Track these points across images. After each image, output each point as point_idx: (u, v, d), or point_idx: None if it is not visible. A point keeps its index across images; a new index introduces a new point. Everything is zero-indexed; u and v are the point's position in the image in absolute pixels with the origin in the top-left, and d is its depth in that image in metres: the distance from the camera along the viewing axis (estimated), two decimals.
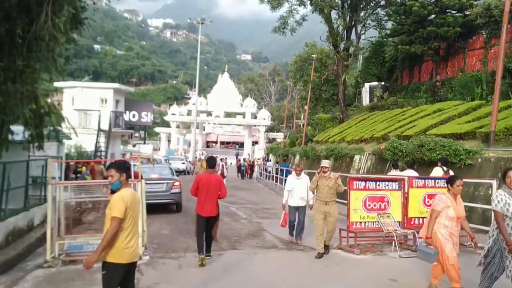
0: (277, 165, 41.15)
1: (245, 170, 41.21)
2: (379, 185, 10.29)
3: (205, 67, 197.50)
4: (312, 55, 41.21)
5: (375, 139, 22.50)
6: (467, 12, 23.95)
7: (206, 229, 8.82)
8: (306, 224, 11.12)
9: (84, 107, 32.64)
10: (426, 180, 10.81)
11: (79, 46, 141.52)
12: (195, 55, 52.77)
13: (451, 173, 11.08)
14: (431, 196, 10.53)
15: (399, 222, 10.23)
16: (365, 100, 36.93)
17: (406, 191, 10.49)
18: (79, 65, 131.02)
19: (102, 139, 31.11)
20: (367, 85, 36.52)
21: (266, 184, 33.86)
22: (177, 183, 16.26)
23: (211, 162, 9.30)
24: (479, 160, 13.22)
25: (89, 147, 30.60)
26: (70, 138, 30.77)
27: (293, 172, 10.81)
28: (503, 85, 20.20)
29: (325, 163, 9.69)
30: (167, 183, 16.17)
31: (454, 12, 24.31)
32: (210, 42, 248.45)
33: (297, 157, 32.37)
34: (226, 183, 29.42)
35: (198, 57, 52.41)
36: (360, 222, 10.02)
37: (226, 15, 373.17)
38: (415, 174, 12.73)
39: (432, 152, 13.96)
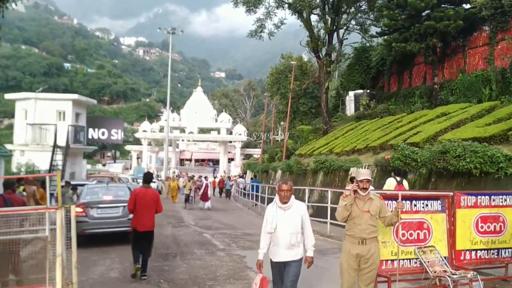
0: (249, 181, 38.48)
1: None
2: (415, 205, 7.18)
3: (179, 85, 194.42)
4: (292, 62, 38.35)
5: (371, 149, 19.58)
6: (467, 6, 21.35)
7: (142, 244, 8.93)
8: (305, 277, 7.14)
9: (39, 121, 28.99)
10: (479, 197, 7.62)
11: (48, 64, 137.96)
12: (168, 73, 49.50)
13: (405, 184, 11.43)
14: (485, 219, 7.48)
15: (445, 257, 7.08)
16: (350, 109, 34.21)
17: (452, 212, 7.36)
18: (48, 83, 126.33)
19: (60, 157, 27.52)
20: (351, 93, 33.84)
21: (244, 203, 30.58)
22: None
23: (147, 177, 9.56)
24: None
25: (44, 165, 27.03)
26: (10, 155, 27.06)
27: (276, 198, 5.85)
28: None
29: (364, 173, 5.90)
30: (124, 206, 12.74)
31: (452, 6, 21.65)
32: (183, 60, 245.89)
33: (279, 172, 29.22)
34: (199, 204, 26.39)
35: (170, 68, 49.08)
36: (392, 261, 6.86)
37: (199, 33, 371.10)
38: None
39: (460, 160, 10.96)
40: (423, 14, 22.16)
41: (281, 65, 51.11)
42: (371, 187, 6.41)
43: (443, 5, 21.83)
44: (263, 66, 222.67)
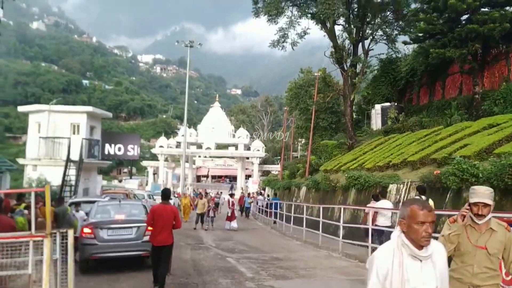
0: (268, 198, 36.71)
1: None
2: None
3: (195, 102, 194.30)
4: (315, 73, 36.79)
5: (408, 164, 17.81)
6: (509, 10, 19.62)
7: (160, 259, 8.90)
8: None
9: (52, 134, 27.73)
10: None
11: (66, 81, 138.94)
12: (185, 90, 48.28)
13: (431, 203, 10.85)
14: None
15: None
16: (376, 123, 32.51)
17: None
18: (66, 100, 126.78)
19: (73, 172, 26.17)
20: (378, 106, 32.17)
21: (266, 222, 28.86)
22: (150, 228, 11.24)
23: (165, 193, 9.70)
24: None
25: (57, 180, 25.69)
26: (15, 169, 25.74)
27: (399, 237, 3.02)
28: None
29: (482, 194, 4.08)
30: (138, 227, 11.20)
31: (494, 8, 19.90)
32: (200, 77, 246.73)
33: (303, 189, 27.50)
34: (218, 222, 24.66)
35: (187, 79, 47.80)
36: None
37: (216, 50, 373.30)
38: (390, 205, 13.08)
39: None
40: (463, 18, 20.50)
41: (300, 80, 49.92)
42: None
43: (484, 8, 20.12)
44: (279, 83, 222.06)
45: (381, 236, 12.85)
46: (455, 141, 17.11)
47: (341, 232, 14.77)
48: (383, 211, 12.85)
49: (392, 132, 26.66)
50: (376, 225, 12.89)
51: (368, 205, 14.17)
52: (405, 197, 14.66)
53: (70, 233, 4.89)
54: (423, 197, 11.33)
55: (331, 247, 15.47)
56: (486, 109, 19.89)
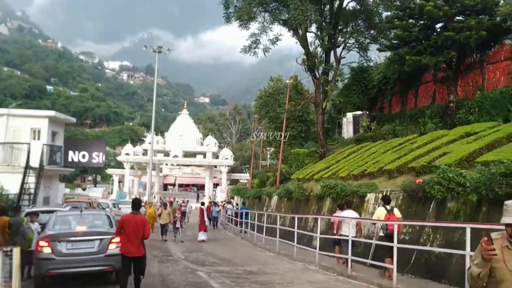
0: (236, 207, 35.83)
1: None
2: None
3: (163, 109, 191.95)
4: (287, 81, 36.24)
5: (385, 172, 17.34)
6: (485, 18, 19.43)
7: (134, 271, 8.83)
8: None
9: (11, 140, 26.18)
10: None
11: (30, 87, 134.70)
12: (153, 97, 46.98)
13: (396, 212, 11.54)
14: None
15: None
16: (348, 131, 32.23)
17: None
18: (29, 106, 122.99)
19: (33, 179, 24.72)
20: (349, 114, 31.89)
21: (235, 231, 27.98)
22: (117, 239, 10.21)
23: (135, 203, 9.59)
24: None
25: (15, 188, 24.22)
26: None
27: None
28: None
29: None
30: (101, 239, 10.19)
31: (470, 16, 19.71)
32: (168, 85, 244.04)
33: (275, 198, 26.77)
34: (187, 232, 23.64)
35: (155, 85, 46.64)
36: None
37: (184, 58, 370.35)
38: (355, 215, 13.29)
39: None
40: (439, 25, 20.27)
41: (270, 88, 49.37)
42: None
43: (460, 16, 19.94)
44: (247, 92, 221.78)
45: (346, 245, 12.68)
46: (432, 149, 16.73)
47: (317, 244, 14.06)
48: (347, 221, 12.98)
49: (365, 141, 26.34)
50: (340, 235, 13.16)
51: (333, 215, 14.65)
52: None
53: (16, 251, 3.99)
54: (388, 207, 11.55)
55: (307, 259, 14.80)
56: (462, 117, 19.67)
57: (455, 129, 18.47)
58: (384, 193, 14.46)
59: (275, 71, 48.71)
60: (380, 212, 11.65)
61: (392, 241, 10.96)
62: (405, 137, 21.61)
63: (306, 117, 44.03)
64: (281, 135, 35.19)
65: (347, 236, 12.53)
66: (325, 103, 30.74)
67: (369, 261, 12.57)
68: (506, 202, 3.59)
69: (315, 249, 14.34)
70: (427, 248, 11.34)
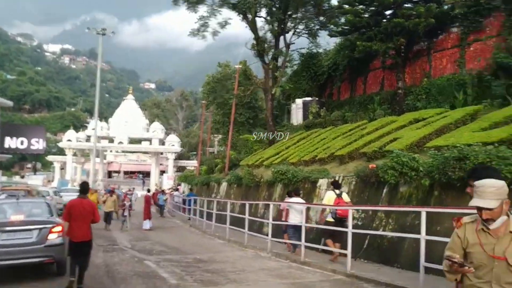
0: (183, 194, 35.31)
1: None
2: None
3: (106, 95, 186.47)
4: (236, 66, 35.70)
5: (336, 158, 17.30)
6: (433, 5, 19.63)
7: (79, 256, 8.53)
8: None
9: None
10: None
11: None
12: (96, 82, 45.02)
13: (345, 197, 11.78)
14: None
15: None
16: (297, 118, 32.12)
17: None
18: None
19: None
20: (299, 101, 31.79)
21: (183, 219, 27.41)
22: (58, 228, 9.51)
23: (83, 187, 9.37)
24: None
25: None
26: None
27: None
28: (498, 86, 15.99)
29: (484, 193, 3.12)
30: (40, 229, 9.44)
31: (419, 3, 19.88)
32: (112, 70, 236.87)
33: (224, 184, 26.36)
34: (132, 220, 22.83)
35: (99, 70, 44.80)
36: None
37: (128, 43, 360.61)
38: (302, 202, 13.25)
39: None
40: (389, 12, 20.35)
41: (218, 74, 48.66)
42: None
43: (409, 3, 20.08)
44: (194, 78, 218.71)
45: (296, 232, 12.84)
46: (383, 135, 16.83)
47: (269, 230, 13.79)
48: (295, 207, 12.95)
49: (314, 127, 26.36)
50: (288, 221, 13.13)
51: (282, 202, 14.65)
52: None
53: None
54: (337, 191, 11.65)
55: (258, 246, 14.53)
56: (410, 104, 19.90)
57: (403, 115, 18.68)
58: (337, 179, 14.37)
59: (222, 58, 48.03)
60: (330, 197, 11.61)
61: (341, 226, 11.15)
62: (355, 123, 21.71)
63: (254, 103, 43.77)
64: (229, 121, 34.75)
65: (295, 223, 12.61)
66: (274, 89, 30.50)
67: (321, 246, 12.43)
68: (476, 183, 3.27)
69: (267, 235, 14.09)
70: (381, 232, 11.29)
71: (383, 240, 11.44)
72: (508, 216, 3.18)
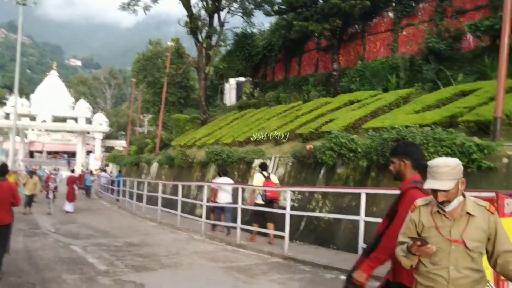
0: (111, 174, 34.27)
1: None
2: None
3: (28, 71, 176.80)
4: (168, 42, 34.52)
5: (272, 139, 17.15)
6: None
7: None
8: None
9: None
10: None
11: None
12: (16, 57, 41.97)
13: (274, 178, 11.77)
14: None
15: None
16: (230, 98, 31.76)
17: None
18: None
19: None
20: (232, 81, 31.41)
21: (111, 201, 26.41)
22: None
23: (2, 169, 8.77)
24: (505, 161, 8.30)
25: None
26: None
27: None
28: (428, 71, 16.39)
29: (437, 174, 2.81)
30: None
31: None
32: (34, 44, 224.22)
33: (155, 165, 25.57)
34: (56, 203, 21.50)
35: (19, 43, 41.86)
36: None
37: (52, 16, 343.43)
38: (231, 182, 13.43)
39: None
40: None
41: (148, 52, 47.25)
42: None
43: None
44: (122, 56, 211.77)
45: (221, 212, 13.12)
46: (318, 116, 16.83)
47: (203, 212, 13.37)
48: (224, 188, 13.07)
49: (248, 107, 26.17)
50: (216, 202, 13.26)
51: (211, 182, 14.68)
52: (273, 173, 13.77)
53: None
54: (265, 173, 11.65)
55: (192, 229, 14.12)
56: (344, 86, 20.05)
57: (338, 97, 18.80)
58: (273, 159, 14.16)
59: (153, 35, 46.47)
60: (259, 179, 11.57)
61: (271, 207, 11.19)
62: (290, 104, 21.64)
63: (186, 83, 42.88)
64: (160, 101, 33.73)
65: (223, 203, 12.84)
66: (208, 67, 29.79)
67: (258, 229, 12.19)
68: (429, 163, 3.00)
69: (200, 217, 13.68)
70: (318, 214, 11.21)
71: (320, 221, 11.38)
72: (464, 196, 2.92)
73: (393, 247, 3.06)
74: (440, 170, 2.82)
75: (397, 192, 3.67)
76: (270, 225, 11.28)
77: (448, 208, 2.86)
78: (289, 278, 8.13)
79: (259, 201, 11.42)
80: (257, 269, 8.82)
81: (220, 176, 13.78)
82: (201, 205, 14.09)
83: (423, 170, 3.23)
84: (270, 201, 11.30)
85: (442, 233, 2.86)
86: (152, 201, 19.04)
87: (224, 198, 13.01)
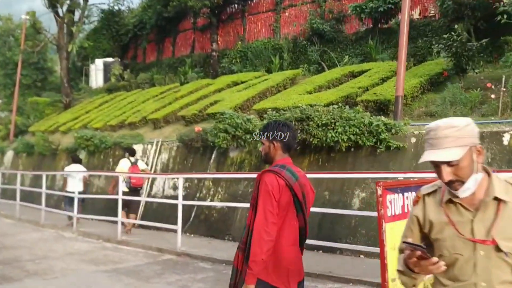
0: None
1: None
2: None
3: None
4: (23, 16, 30.62)
5: (150, 122, 15.70)
6: None
7: None
8: None
9: None
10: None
11: None
12: None
13: (141, 164, 11.38)
14: None
15: None
16: (97, 80, 29.20)
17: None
18: None
19: None
20: (99, 61, 28.91)
21: None
22: None
23: None
24: (413, 140, 7.96)
25: None
26: None
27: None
28: (313, 52, 16.16)
29: (445, 136, 1.81)
30: None
31: None
32: None
33: (9, 154, 22.46)
34: None
35: None
36: None
37: None
38: (82, 168, 12.74)
39: (328, 130, 8.07)
40: None
41: None
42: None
43: None
44: None
45: (72, 202, 11.79)
46: (201, 97, 15.83)
47: (75, 205, 11.57)
48: (74, 175, 12.28)
49: (117, 90, 24.31)
50: (66, 191, 12.29)
51: (61, 172, 13.93)
52: (156, 159, 12.38)
53: None
54: (132, 159, 11.22)
55: (59, 225, 12.26)
56: (225, 67, 19.10)
57: (219, 78, 17.95)
58: (155, 144, 12.77)
59: (1, 12, 41.40)
60: (124, 165, 11.08)
61: (136, 195, 10.79)
62: (166, 86, 20.24)
63: (43, 64, 38.84)
64: (12, 83, 29.97)
65: (73, 192, 11.82)
66: (70, 45, 26.92)
67: (140, 222, 10.85)
68: (427, 127, 2.02)
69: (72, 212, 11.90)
70: (209, 203, 10.17)
71: (212, 211, 10.35)
72: (488, 173, 1.94)
73: (265, 241, 2.81)
74: (440, 134, 1.84)
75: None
76: (132, 215, 10.94)
77: (464, 194, 1.87)
78: (191, 279, 6.98)
79: (124, 188, 10.44)
80: (149, 270, 7.54)
81: (71, 163, 12.98)
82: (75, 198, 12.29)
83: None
84: (135, 189, 10.76)
85: (460, 232, 1.90)
86: (7, 195, 16.58)
87: (74, 187, 12.03)
